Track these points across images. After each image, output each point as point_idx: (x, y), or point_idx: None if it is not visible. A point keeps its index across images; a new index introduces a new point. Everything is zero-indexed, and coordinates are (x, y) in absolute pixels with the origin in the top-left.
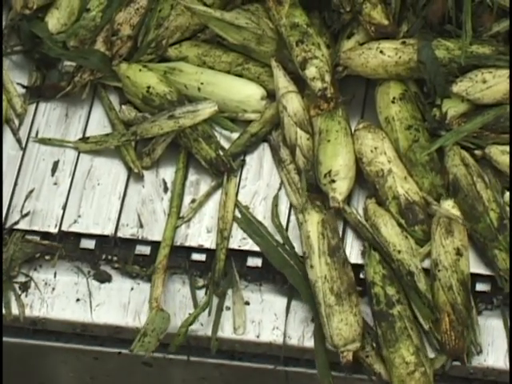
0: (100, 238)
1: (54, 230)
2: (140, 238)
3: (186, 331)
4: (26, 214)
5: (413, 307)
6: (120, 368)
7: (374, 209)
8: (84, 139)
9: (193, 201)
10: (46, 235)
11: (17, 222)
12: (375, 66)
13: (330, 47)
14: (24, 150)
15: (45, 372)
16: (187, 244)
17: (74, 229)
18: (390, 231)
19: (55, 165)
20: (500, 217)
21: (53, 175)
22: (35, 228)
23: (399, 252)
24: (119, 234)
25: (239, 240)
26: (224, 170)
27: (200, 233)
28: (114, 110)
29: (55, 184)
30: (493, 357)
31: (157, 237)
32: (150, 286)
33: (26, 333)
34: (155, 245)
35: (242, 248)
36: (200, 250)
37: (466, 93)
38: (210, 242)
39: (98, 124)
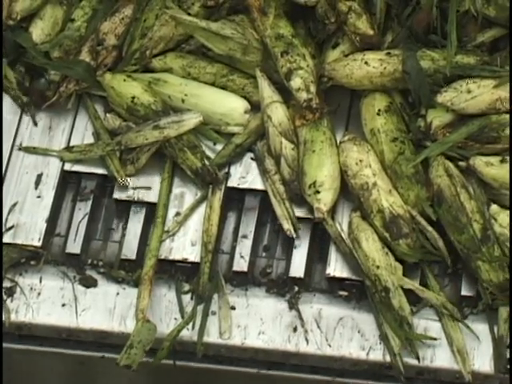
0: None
1: (37, 243)
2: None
3: (170, 344)
4: (10, 228)
5: None
6: (106, 373)
7: (357, 222)
8: (69, 148)
9: (177, 214)
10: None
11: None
12: (360, 77)
13: (315, 58)
14: (8, 161)
15: (31, 377)
16: (171, 258)
17: (76, 169)
18: (370, 246)
19: (38, 178)
20: (483, 228)
21: (36, 188)
22: (18, 241)
23: (378, 267)
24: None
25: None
26: (210, 179)
27: (184, 246)
28: (98, 119)
29: (38, 197)
30: (479, 361)
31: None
32: (135, 291)
33: (11, 338)
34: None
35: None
36: (184, 263)
37: (450, 103)
38: (194, 255)
39: (83, 134)
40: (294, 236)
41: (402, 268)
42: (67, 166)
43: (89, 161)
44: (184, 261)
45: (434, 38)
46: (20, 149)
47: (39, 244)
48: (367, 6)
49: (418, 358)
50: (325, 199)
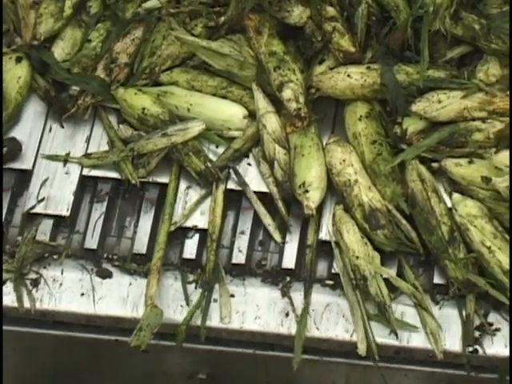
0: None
1: (66, 213)
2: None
3: (186, 328)
4: (42, 200)
5: None
6: (120, 354)
7: (340, 215)
8: (87, 155)
9: (184, 208)
10: (59, 218)
11: (33, 207)
12: (343, 88)
13: (304, 72)
14: (33, 167)
15: (54, 359)
16: (184, 225)
17: (94, 173)
18: (351, 238)
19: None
20: (451, 230)
21: (64, 166)
22: (49, 211)
23: (357, 258)
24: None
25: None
26: (212, 179)
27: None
28: (112, 128)
29: (66, 173)
30: (449, 341)
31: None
32: (146, 281)
33: (36, 323)
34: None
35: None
36: (194, 231)
37: (423, 112)
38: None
39: (99, 142)
40: (280, 241)
41: (379, 257)
42: (85, 171)
43: (104, 166)
44: (194, 227)
45: (408, 55)
46: (43, 157)
47: (68, 214)
48: (349, 26)
49: (396, 335)
50: (313, 197)
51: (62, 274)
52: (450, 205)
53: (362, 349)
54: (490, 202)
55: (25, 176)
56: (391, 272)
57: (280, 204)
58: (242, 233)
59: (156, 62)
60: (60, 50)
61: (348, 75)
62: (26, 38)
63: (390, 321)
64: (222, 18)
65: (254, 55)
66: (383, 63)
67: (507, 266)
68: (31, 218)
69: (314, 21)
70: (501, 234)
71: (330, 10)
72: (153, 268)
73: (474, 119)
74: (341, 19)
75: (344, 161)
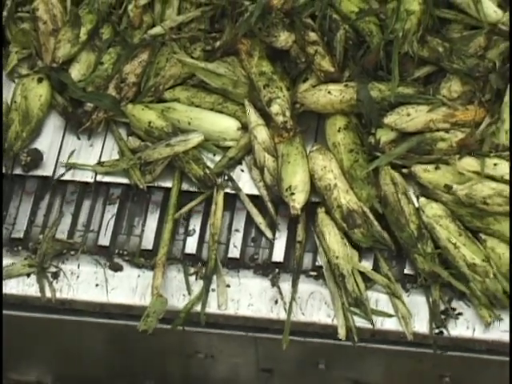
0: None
1: (90, 180)
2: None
3: (186, 315)
4: (69, 168)
5: None
6: (129, 337)
7: (322, 217)
8: (100, 163)
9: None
10: (84, 184)
11: (62, 175)
12: (324, 104)
13: (290, 89)
14: (53, 173)
15: (71, 341)
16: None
17: (106, 179)
18: (332, 239)
19: (90, 131)
20: (419, 227)
21: (89, 139)
22: (77, 179)
23: (337, 257)
24: None
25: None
26: (210, 184)
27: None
28: (122, 140)
29: (91, 146)
30: (418, 324)
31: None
32: (152, 274)
33: (56, 311)
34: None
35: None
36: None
37: (394, 124)
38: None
39: (111, 152)
40: (271, 238)
41: (357, 254)
42: (99, 177)
43: (116, 173)
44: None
45: (381, 74)
46: (63, 166)
47: (92, 181)
48: (329, 49)
49: (372, 324)
50: (298, 199)
51: (78, 267)
52: (418, 205)
53: (341, 333)
54: (452, 205)
55: (46, 182)
56: (368, 267)
57: (269, 205)
58: (237, 230)
59: (160, 81)
60: (76, 72)
61: (328, 92)
62: (47, 61)
63: (367, 312)
64: (218, 43)
65: (246, 75)
66: (359, 81)
67: (471, 260)
68: (52, 217)
69: (298, 44)
70: (464, 233)
71: (312, 35)
72: (158, 262)
73: (438, 130)
74: (322, 43)
75: (325, 167)
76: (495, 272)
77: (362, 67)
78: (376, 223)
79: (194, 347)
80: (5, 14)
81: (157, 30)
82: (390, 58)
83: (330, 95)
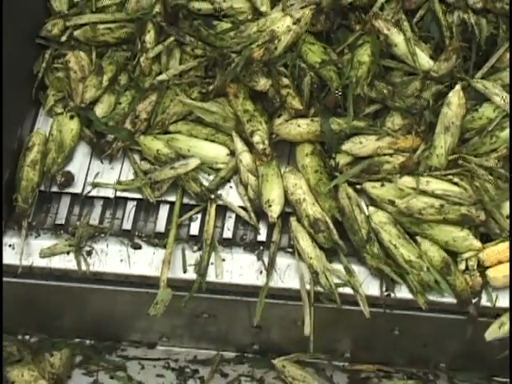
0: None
1: (111, 195)
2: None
3: (193, 282)
4: (95, 186)
5: None
6: (146, 302)
7: (295, 225)
8: (119, 182)
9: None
10: (107, 199)
11: (89, 191)
12: (295, 134)
13: (268, 123)
14: (82, 190)
15: (101, 304)
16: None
17: (124, 195)
18: (305, 243)
19: (111, 157)
20: (368, 232)
21: (110, 163)
22: (100, 195)
23: (311, 258)
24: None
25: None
26: (205, 199)
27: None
28: (136, 164)
29: (112, 168)
30: (370, 291)
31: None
32: (164, 252)
33: (90, 281)
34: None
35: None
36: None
37: (350, 150)
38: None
39: (127, 173)
40: (254, 223)
41: (324, 254)
42: (118, 193)
43: (131, 190)
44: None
45: (339, 111)
46: (89, 184)
47: (113, 196)
48: (298, 91)
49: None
50: (275, 210)
51: (107, 246)
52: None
53: (307, 331)
54: (395, 215)
55: (76, 198)
56: (333, 266)
57: (252, 215)
58: (230, 217)
59: (166, 117)
60: (100, 110)
61: (298, 125)
62: (77, 102)
63: (336, 301)
64: (211, 87)
65: (234, 112)
66: (322, 117)
67: (407, 257)
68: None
69: (274, 88)
70: (403, 235)
71: (285, 80)
72: (164, 260)
73: (384, 155)
74: (292, 86)
75: (296, 184)
76: (428, 266)
77: (325, 106)
78: (335, 231)
79: (199, 309)
80: (43, 65)
81: (163, 76)
82: (346, 99)
83: (300, 128)
